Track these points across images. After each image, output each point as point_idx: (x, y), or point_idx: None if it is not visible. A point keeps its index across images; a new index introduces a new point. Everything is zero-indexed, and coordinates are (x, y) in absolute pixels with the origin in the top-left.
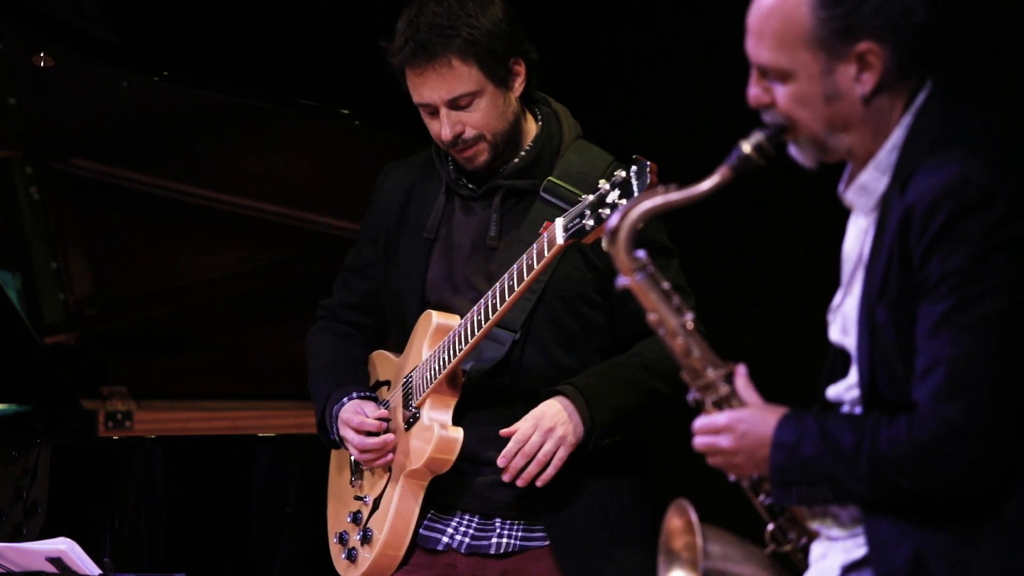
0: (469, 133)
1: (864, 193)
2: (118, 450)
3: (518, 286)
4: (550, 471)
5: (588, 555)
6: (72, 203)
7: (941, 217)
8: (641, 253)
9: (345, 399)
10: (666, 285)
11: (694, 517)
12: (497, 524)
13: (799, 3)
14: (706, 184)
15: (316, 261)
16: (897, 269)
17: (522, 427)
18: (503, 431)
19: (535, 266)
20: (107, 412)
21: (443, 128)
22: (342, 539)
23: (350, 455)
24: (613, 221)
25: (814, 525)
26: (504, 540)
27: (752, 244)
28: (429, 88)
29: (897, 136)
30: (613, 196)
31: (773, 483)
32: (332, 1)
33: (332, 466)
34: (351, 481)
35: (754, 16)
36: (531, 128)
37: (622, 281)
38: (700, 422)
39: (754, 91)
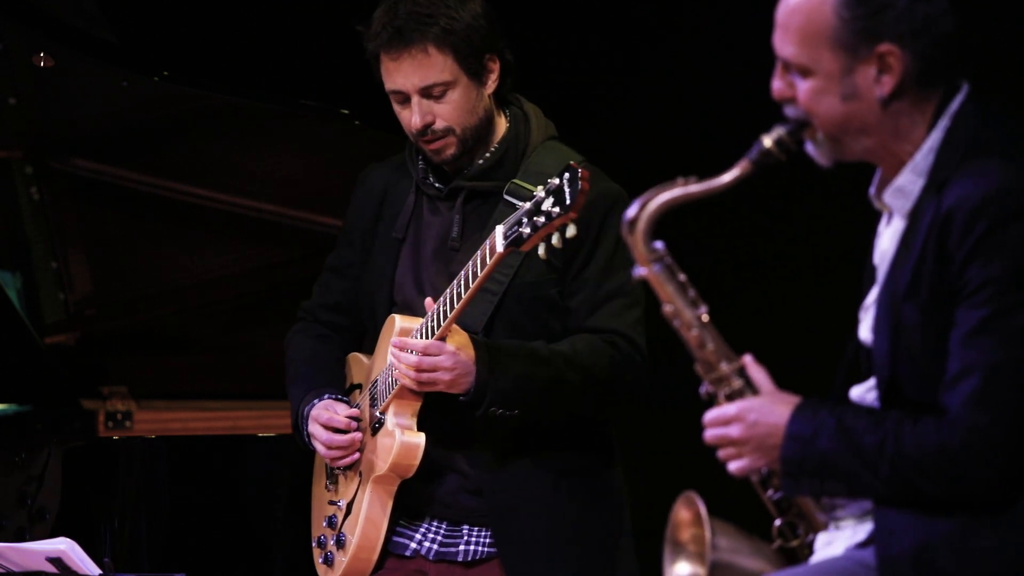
0: (439, 124)
1: (901, 195)
2: (118, 450)
3: (465, 293)
4: (407, 382)
5: (536, 561)
6: (72, 203)
7: (983, 225)
8: (659, 244)
9: (316, 400)
10: (682, 277)
11: (703, 510)
12: (465, 531)
13: (823, 2)
14: (726, 177)
15: (316, 261)
16: (931, 271)
17: (444, 349)
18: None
19: (479, 274)
20: (107, 412)
21: (413, 116)
22: (320, 543)
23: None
24: (632, 211)
25: (822, 516)
26: (472, 547)
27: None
28: (403, 75)
29: (934, 139)
30: (547, 204)
31: (784, 474)
32: (333, 1)
33: (314, 472)
34: (326, 486)
35: (781, 10)
36: (501, 129)
37: (639, 271)
38: (711, 414)
39: (778, 84)
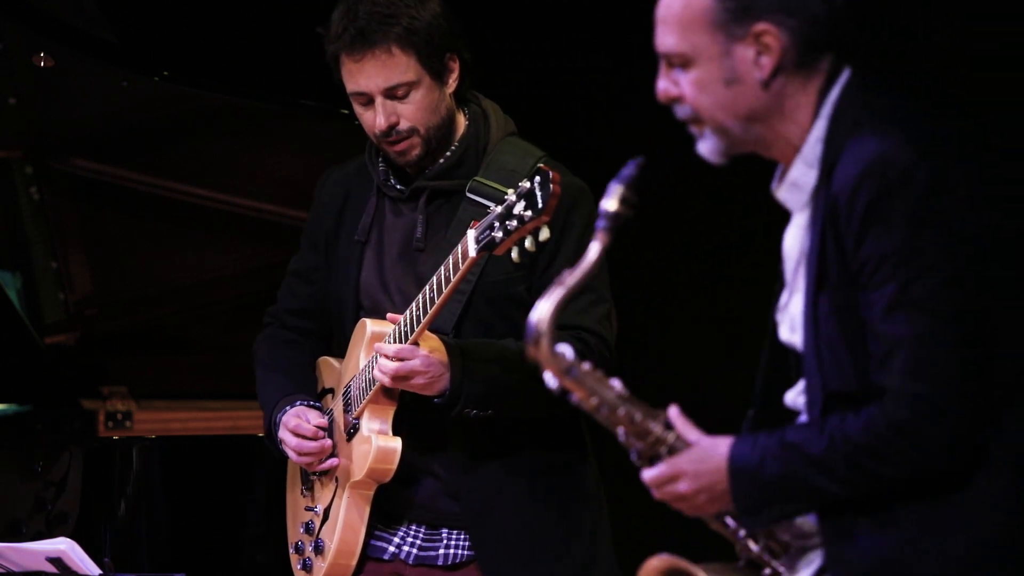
0: (403, 125)
1: (796, 189)
2: (118, 450)
3: (438, 298)
4: (385, 380)
5: (514, 562)
6: (72, 203)
7: (863, 199)
8: (567, 351)
9: (288, 407)
10: (587, 366)
11: (685, 562)
12: (444, 535)
13: None
14: (591, 255)
15: None
16: (833, 259)
17: (417, 353)
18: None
19: (452, 279)
20: (107, 412)
21: (378, 118)
22: (298, 549)
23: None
24: (530, 330)
25: (785, 536)
26: (452, 551)
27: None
28: (366, 76)
29: (820, 128)
30: (519, 207)
31: (742, 512)
32: (333, 2)
33: (288, 477)
34: (302, 492)
35: (660, 5)
36: (461, 127)
37: (554, 383)
38: (649, 475)
39: (662, 84)
